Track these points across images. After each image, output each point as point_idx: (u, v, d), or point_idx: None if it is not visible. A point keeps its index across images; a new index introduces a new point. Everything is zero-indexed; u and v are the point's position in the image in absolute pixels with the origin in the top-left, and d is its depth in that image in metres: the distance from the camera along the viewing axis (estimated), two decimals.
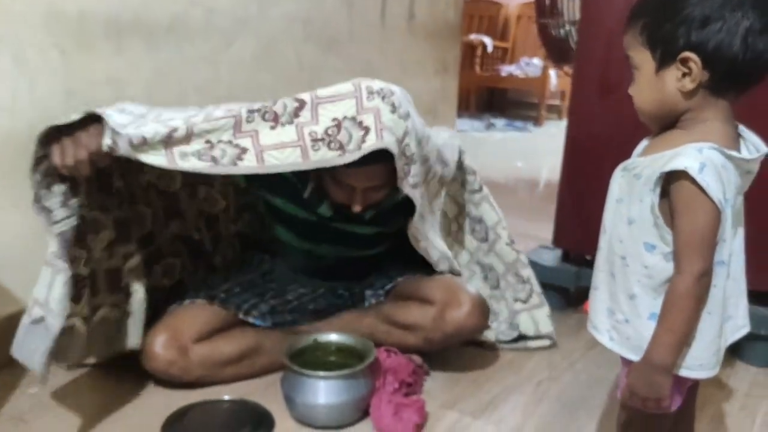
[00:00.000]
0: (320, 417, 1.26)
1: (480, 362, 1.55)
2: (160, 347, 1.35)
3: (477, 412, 1.35)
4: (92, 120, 1.14)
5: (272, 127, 1.18)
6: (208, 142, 1.16)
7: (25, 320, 1.21)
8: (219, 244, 1.68)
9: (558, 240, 1.81)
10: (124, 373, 1.42)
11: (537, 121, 5.41)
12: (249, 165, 1.16)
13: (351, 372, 1.26)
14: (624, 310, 0.93)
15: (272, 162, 1.17)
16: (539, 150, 4.41)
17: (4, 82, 1.37)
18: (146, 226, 1.50)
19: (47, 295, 1.18)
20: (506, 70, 5.63)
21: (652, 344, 0.88)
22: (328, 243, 1.54)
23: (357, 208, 1.33)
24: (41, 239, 1.46)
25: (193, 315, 1.42)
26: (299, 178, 1.40)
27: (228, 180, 1.61)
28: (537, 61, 5.51)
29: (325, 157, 1.18)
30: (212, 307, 1.45)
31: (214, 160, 1.15)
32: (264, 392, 1.38)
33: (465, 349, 1.55)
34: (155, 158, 1.14)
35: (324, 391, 1.25)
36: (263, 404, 1.31)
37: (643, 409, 0.92)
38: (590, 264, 1.75)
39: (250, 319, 1.46)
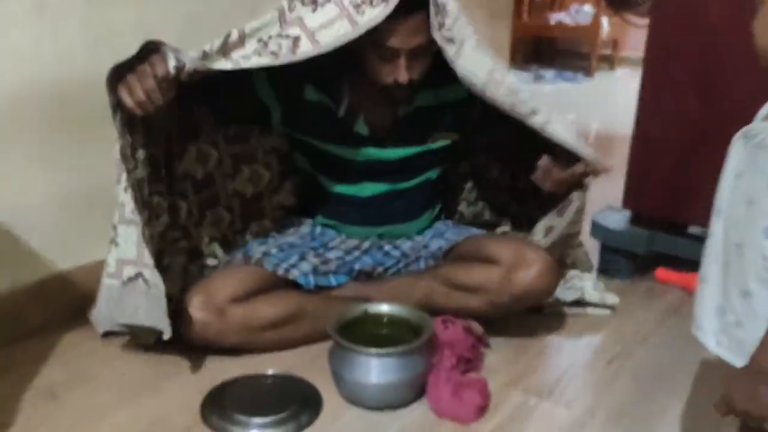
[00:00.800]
0: (372, 397, 1.15)
1: (543, 334, 1.42)
2: (196, 309, 1.24)
3: (544, 391, 1.23)
4: (150, 52, 1.14)
5: (313, 10, 1.22)
6: (260, 40, 1.21)
7: (113, 283, 1.23)
8: (260, 220, 1.56)
9: (628, 201, 1.64)
10: (159, 344, 1.33)
11: (588, 72, 5.14)
12: (306, 50, 1.20)
13: (406, 348, 1.13)
14: (737, 310, 0.78)
15: (326, 40, 1.20)
16: (591, 102, 4.18)
17: (26, 29, 1.26)
18: (181, 218, 1.42)
19: (137, 251, 1.21)
20: (555, 17, 5.33)
21: (762, 348, 0.73)
22: (370, 179, 1.44)
23: (403, 76, 1.26)
24: (71, 200, 1.36)
25: (230, 276, 1.31)
26: (333, 96, 1.36)
27: (269, 147, 1.50)
28: (588, 8, 5.20)
29: (371, 15, 1.19)
30: (250, 268, 1.34)
31: (273, 54, 1.20)
32: (309, 366, 1.27)
33: (526, 319, 1.42)
34: (220, 64, 1.18)
35: (376, 370, 1.13)
36: (309, 380, 1.21)
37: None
38: (664, 227, 1.63)
39: (291, 276, 1.35)
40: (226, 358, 1.29)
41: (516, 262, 1.28)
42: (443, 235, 1.48)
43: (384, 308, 1.27)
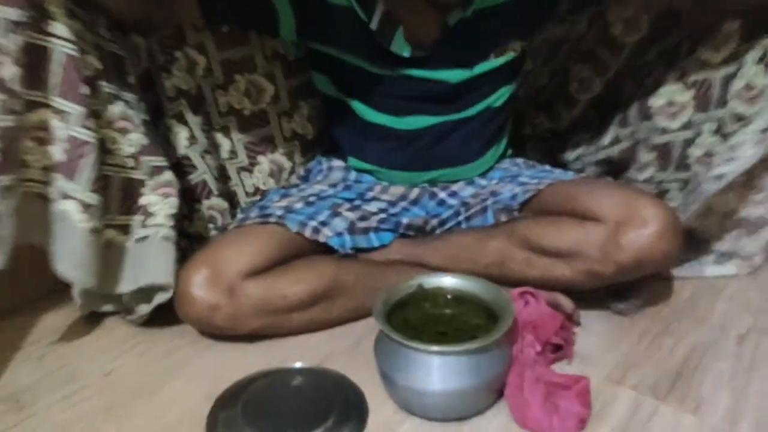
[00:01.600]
0: (435, 407, 0.85)
1: (648, 305, 1.10)
2: (199, 287, 0.95)
3: (661, 388, 0.92)
4: None
5: None
6: None
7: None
8: (271, 152, 1.23)
9: None
10: (159, 325, 1.04)
11: None
12: None
13: (481, 344, 0.83)
14: None
15: None
16: None
17: None
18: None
19: None
20: None
21: None
22: (414, 109, 1.11)
23: None
24: None
25: (242, 242, 1.00)
26: (363, 3, 1.02)
27: (272, 53, 1.17)
28: None
29: None
30: (267, 229, 1.03)
31: None
32: (350, 355, 0.98)
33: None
34: None
35: (440, 373, 0.83)
36: (350, 376, 0.92)
37: None
38: None
39: (322, 238, 1.05)
40: (240, 347, 1.00)
41: (625, 219, 0.95)
42: (517, 178, 1.15)
43: (446, 281, 0.96)
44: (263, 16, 1.05)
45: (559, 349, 0.97)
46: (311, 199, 1.11)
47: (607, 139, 1.28)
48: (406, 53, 1.04)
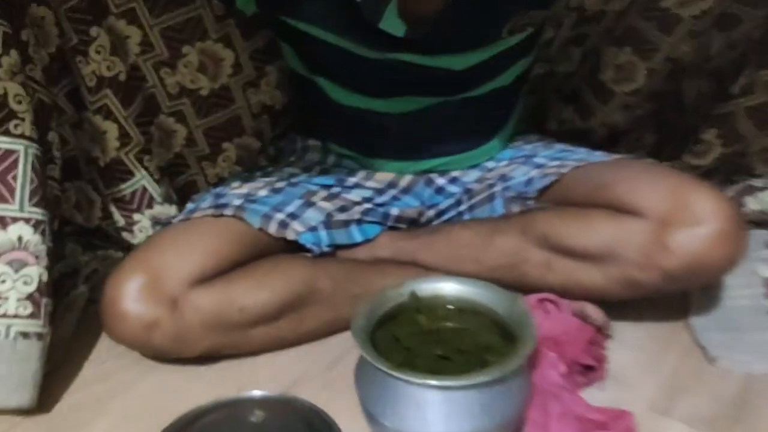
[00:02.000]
0: None
1: (693, 311, 0.90)
2: (133, 300, 0.75)
3: (719, 420, 0.72)
4: None
5: None
6: None
7: None
8: (237, 135, 1.01)
9: None
10: (89, 341, 0.85)
11: None
12: None
13: (495, 377, 0.62)
14: None
15: None
16: None
17: None
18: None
19: None
20: None
21: None
22: (405, 90, 0.89)
23: None
24: None
25: (189, 240, 0.80)
26: None
27: (224, 10, 0.92)
28: None
29: None
30: (222, 224, 0.83)
31: None
32: (325, 380, 0.79)
33: None
34: None
35: (441, 413, 0.63)
36: (324, 407, 0.72)
37: None
38: None
39: (291, 235, 0.85)
40: (189, 371, 0.80)
41: (674, 214, 0.74)
42: (532, 159, 0.94)
43: (446, 287, 0.76)
44: None
45: (588, 370, 0.77)
46: (279, 185, 0.91)
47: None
48: (400, 33, 0.80)
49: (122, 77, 0.86)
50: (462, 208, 0.94)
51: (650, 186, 0.78)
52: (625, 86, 1.00)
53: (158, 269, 0.76)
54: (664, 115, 1.06)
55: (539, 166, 0.91)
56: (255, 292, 0.79)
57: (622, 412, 0.69)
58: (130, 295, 0.74)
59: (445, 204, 0.95)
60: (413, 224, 0.94)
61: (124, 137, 0.87)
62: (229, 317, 0.77)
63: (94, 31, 0.83)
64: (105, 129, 0.86)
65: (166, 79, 0.91)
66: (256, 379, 0.79)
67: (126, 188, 0.90)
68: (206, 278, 0.77)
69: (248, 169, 0.99)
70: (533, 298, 0.80)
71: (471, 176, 0.96)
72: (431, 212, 0.95)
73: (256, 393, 0.75)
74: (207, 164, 0.98)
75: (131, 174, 0.90)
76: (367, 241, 0.90)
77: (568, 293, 0.81)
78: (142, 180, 0.90)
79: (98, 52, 0.83)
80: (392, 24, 0.79)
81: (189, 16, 0.90)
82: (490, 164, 0.97)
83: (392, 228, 0.93)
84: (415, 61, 0.85)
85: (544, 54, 1.03)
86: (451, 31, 0.82)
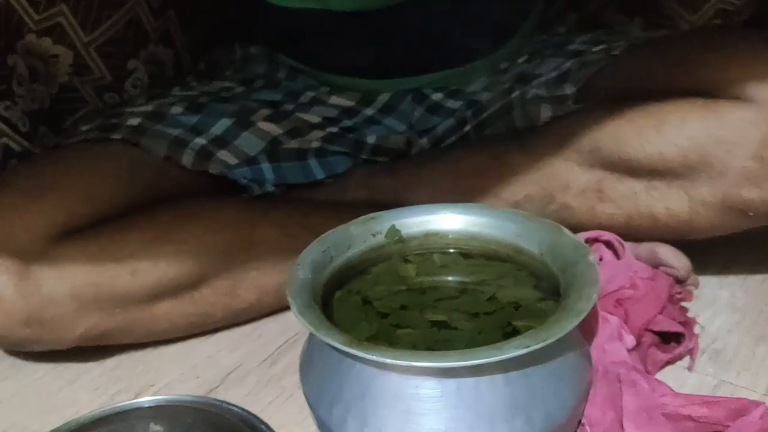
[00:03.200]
0: None
1: None
2: None
3: None
4: None
5: None
6: None
7: None
8: (143, 45, 0.71)
9: None
10: None
11: None
12: None
13: (531, 353, 0.34)
14: None
15: None
16: None
17: None
18: None
19: None
20: None
21: None
22: None
23: None
24: None
25: (51, 176, 0.53)
26: None
27: None
28: None
29: None
30: (106, 152, 0.56)
31: None
32: (265, 375, 0.52)
33: None
34: None
35: (444, 412, 0.35)
36: (264, 417, 0.44)
37: None
38: None
39: (215, 169, 0.59)
40: (67, 369, 0.54)
41: None
42: (565, 47, 0.66)
43: (442, 220, 0.48)
44: None
45: (670, 342, 0.50)
46: (201, 100, 0.63)
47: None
48: None
49: None
50: (467, 128, 0.66)
51: (756, 57, 0.50)
52: None
53: (4, 218, 0.49)
54: None
55: (577, 53, 0.63)
56: (157, 247, 0.52)
57: (744, 403, 0.41)
58: None
59: (443, 127, 0.67)
60: (398, 157, 0.67)
61: None
62: (115, 285, 0.51)
63: None
64: None
65: None
66: (163, 379, 0.52)
67: None
68: (77, 230, 0.51)
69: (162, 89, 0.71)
70: (580, 237, 0.53)
71: (477, 83, 0.69)
72: (424, 140, 0.68)
73: (160, 398, 0.48)
74: (112, 95, 0.70)
75: None
76: (332, 177, 0.63)
77: (632, 231, 0.54)
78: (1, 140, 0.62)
79: None
80: None
81: None
82: (504, 65, 0.69)
83: (368, 161, 0.66)
84: None
85: None
86: None
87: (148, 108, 0.61)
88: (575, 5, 0.76)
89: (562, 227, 0.44)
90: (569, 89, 0.60)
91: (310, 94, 0.68)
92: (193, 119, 0.60)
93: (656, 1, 0.72)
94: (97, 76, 0.69)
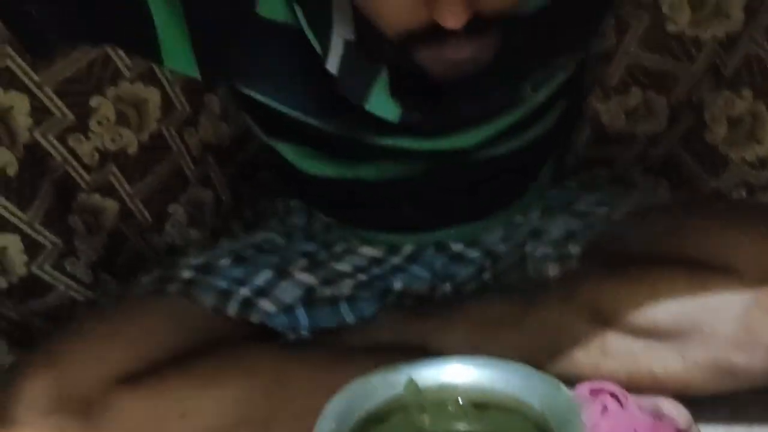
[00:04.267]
0: None
1: None
2: (33, 408, 0.54)
3: None
4: None
5: None
6: None
7: None
8: (183, 189, 0.81)
9: None
10: None
11: None
12: None
13: None
14: None
15: None
16: None
17: None
18: None
19: None
20: None
21: None
22: (395, 157, 0.68)
23: (450, 19, 0.43)
24: None
25: (113, 326, 0.61)
26: (316, 19, 0.55)
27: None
28: None
29: None
30: (163, 305, 0.64)
31: None
32: None
33: None
34: None
35: None
36: None
37: None
38: None
39: (257, 318, 0.65)
40: None
41: None
42: (571, 206, 0.73)
43: (457, 373, 0.53)
44: (130, 27, 0.58)
45: None
46: (246, 252, 0.71)
47: None
48: (393, 116, 0.59)
49: (11, 170, 0.63)
50: (486, 277, 0.73)
51: (746, 231, 0.56)
52: (746, 150, 0.74)
53: (69, 366, 0.56)
54: None
55: (582, 214, 0.70)
56: (203, 391, 0.58)
57: None
58: (29, 399, 0.55)
59: (464, 274, 0.74)
60: (423, 301, 0.73)
61: (30, 248, 0.67)
62: (166, 428, 0.57)
63: None
64: (3, 245, 0.65)
65: (79, 149, 0.69)
66: None
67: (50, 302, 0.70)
68: (136, 376, 0.58)
69: (207, 232, 0.81)
70: (586, 387, 0.57)
71: (494, 235, 0.75)
72: (447, 286, 0.74)
73: None
74: (152, 235, 0.78)
75: (50, 289, 0.69)
76: (361, 322, 0.69)
77: (633, 384, 0.58)
78: (68, 292, 0.70)
79: None
80: (383, 105, 0.58)
81: (90, 58, 0.67)
82: (519, 218, 0.76)
83: (395, 306, 0.72)
84: (415, 146, 0.66)
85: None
86: (461, 106, 0.61)
87: (200, 261, 0.69)
88: (600, 162, 0.84)
89: (561, 384, 0.49)
90: (574, 250, 0.66)
91: (343, 244, 0.75)
92: (238, 271, 0.68)
93: (680, 167, 0.78)
94: (140, 221, 0.77)
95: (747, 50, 0.68)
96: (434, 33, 0.45)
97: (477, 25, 0.45)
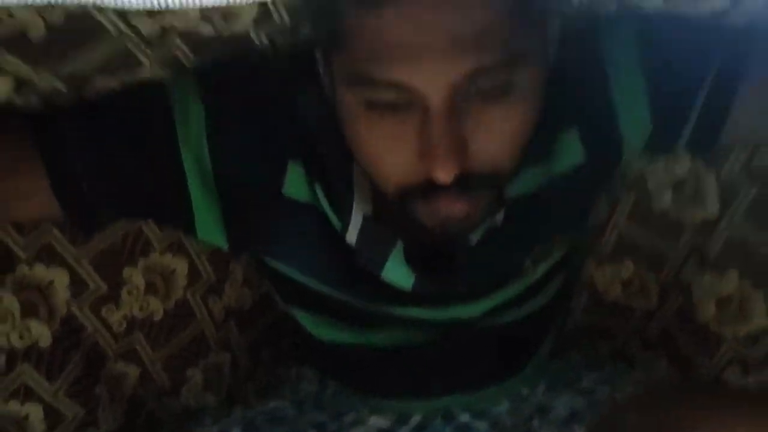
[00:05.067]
0: None
1: None
2: None
3: None
4: None
5: None
6: None
7: None
8: (203, 356, 0.82)
9: None
10: None
11: None
12: None
13: None
14: None
15: None
16: None
17: None
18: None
19: None
20: None
21: None
22: (402, 324, 0.71)
23: (441, 174, 0.47)
24: None
25: None
26: (336, 197, 0.61)
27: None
28: None
29: None
30: None
31: None
32: None
33: None
34: None
35: None
36: None
37: None
38: None
39: None
40: None
41: None
42: (577, 383, 0.75)
43: None
44: (172, 205, 0.62)
45: None
46: (257, 421, 0.72)
47: None
48: (407, 284, 0.63)
49: (44, 342, 0.66)
50: None
51: (736, 426, 0.58)
52: (738, 327, 0.73)
53: None
54: None
55: (586, 393, 0.72)
56: None
57: None
58: None
59: None
60: None
61: (52, 417, 0.67)
62: None
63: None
64: (25, 413, 0.66)
65: (110, 318, 0.71)
66: None
67: None
68: None
69: (222, 395, 0.82)
70: None
71: (501, 407, 0.76)
72: None
73: None
74: (169, 399, 0.79)
75: None
76: None
77: None
78: None
79: (4, 321, 0.63)
80: (398, 273, 0.62)
81: (124, 232, 0.71)
82: (525, 391, 0.77)
83: None
84: (423, 316, 0.70)
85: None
86: (467, 277, 0.65)
87: (214, 431, 0.70)
88: (600, 333, 0.86)
89: None
90: (577, 429, 0.67)
91: (353, 415, 0.76)
92: None
93: (675, 342, 0.79)
94: (158, 385, 0.78)
95: (728, 234, 0.70)
96: (429, 189, 0.49)
97: (467, 183, 0.48)
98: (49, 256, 0.65)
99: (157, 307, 0.74)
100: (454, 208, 0.50)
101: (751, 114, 0.56)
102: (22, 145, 0.55)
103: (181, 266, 0.75)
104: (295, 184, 0.61)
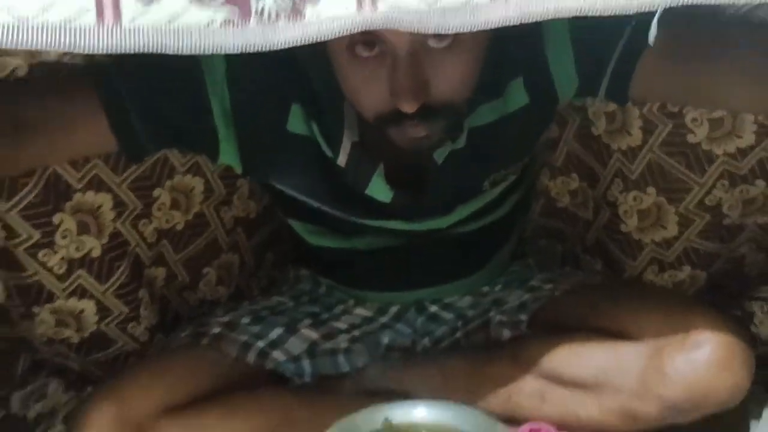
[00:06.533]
0: None
1: None
2: (99, 429, 0.71)
3: None
4: None
5: None
6: None
7: None
8: (216, 257, 0.98)
9: None
10: None
11: None
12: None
13: None
14: None
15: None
16: None
17: None
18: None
19: None
20: None
21: None
22: (387, 233, 0.87)
23: (406, 106, 0.61)
24: None
25: (160, 370, 0.78)
26: (328, 129, 0.75)
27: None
28: None
29: None
30: (197, 354, 0.81)
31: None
32: None
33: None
34: None
35: None
36: None
37: None
38: None
39: (270, 364, 0.82)
40: None
41: (671, 339, 0.70)
42: (527, 282, 0.91)
43: (420, 412, 0.70)
44: (203, 136, 0.76)
45: None
46: (262, 313, 0.89)
47: None
48: (387, 198, 0.77)
49: (96, 253, 0.81)
50: (458, 335, 0.89)
51: (645, 309, 0.74)
52: (655, 235, 0.88)
53: (127, 399, 0.73)
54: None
55: (533, 289, 0.88)
56: (226, 422, 0.75)
57: None
58: (97, 424, 0.71)
59: (440, 332, 0.91)
60: (408, 353, 0.90)
61: (102, 310, 0.83)
62: None
63: (56, 218, 0.77)
64: (82, 308, 0.82)
65: (144, 231, 0.87)
66: None
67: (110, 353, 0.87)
68: (177, 408, 0.74)
69: (232, 289, 0.98)
70: (527, 427, 0.73)
71: (465, 301, 0.92)
72: (426, 341, 0.90)
73: None
74: (188, 293, 0.96)
75: (114, 342, 0.87)
76: (356, 370, 0.86)
77: (566, 426, 0.74)
78: (125, 347, 0.87)
79: (64, 237, 0.78)
80: (379, 190, 0.77)
81: (153, 159, 0.84)
82: (485, 288, 0.93)
83: (384, 358, 0.88)
84: (399, 227, 0.84)
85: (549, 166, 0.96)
86: (436, 195, 0.80)
87: (226, 319, 0.86)
88: (557, 237, 1.01)
89: (498, 423, 0.66)
90: (523, 317, 0.84)
91: (341, 306, 0.93)
92: (256, 328, 0.85)
93: (607, 248, 0.95)
94: (179, 281, 0.94)
95: (648, 158, 0.84)
96: (398, 116, 0.63)
97: (427, 112, 0.62)
98: (97, 184, 0.80)
99: (179, 219, 0.90)
100: (418, 130, 0.65)
101: (650, 74, 0.69)
102: (89, 101, 0.69)
103: (198, 185, 0.90)
104: (296, 121, 0.75)
